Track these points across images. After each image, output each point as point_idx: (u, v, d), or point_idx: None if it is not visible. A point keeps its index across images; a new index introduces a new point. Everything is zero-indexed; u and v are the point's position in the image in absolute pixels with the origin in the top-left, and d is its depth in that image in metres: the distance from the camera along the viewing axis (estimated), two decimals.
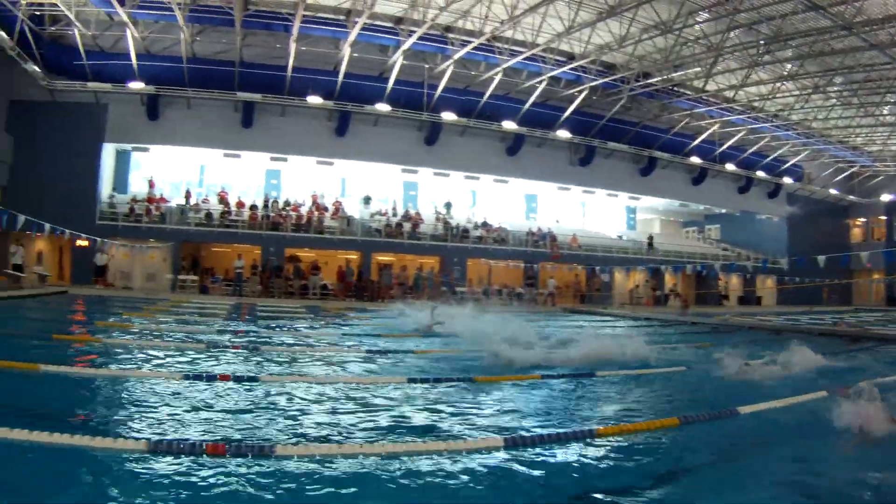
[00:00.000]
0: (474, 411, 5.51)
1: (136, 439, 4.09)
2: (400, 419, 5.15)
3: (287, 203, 26.48)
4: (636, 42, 25.13)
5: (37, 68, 24.58)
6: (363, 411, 5.37)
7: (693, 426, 5.06)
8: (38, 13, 24.02)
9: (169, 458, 3.77)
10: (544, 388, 6.95)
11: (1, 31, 21.98)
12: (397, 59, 25.32)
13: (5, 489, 3.23)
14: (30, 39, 24.18)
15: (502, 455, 4.11)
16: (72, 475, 3.49)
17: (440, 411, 5.44)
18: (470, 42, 24.44)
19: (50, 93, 25.83)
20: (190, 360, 8.00)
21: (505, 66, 25.70)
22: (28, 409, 4.95)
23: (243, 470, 3.60)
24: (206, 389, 5.87)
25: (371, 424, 4.93)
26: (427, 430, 4.84)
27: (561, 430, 4.84)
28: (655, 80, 27.38)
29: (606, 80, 27.22)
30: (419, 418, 5.21)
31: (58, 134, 25.52)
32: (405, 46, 24.63)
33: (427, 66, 26.80)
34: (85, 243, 24.20)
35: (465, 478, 3.66)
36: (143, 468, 3.59)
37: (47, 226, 20.59)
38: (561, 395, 6.64)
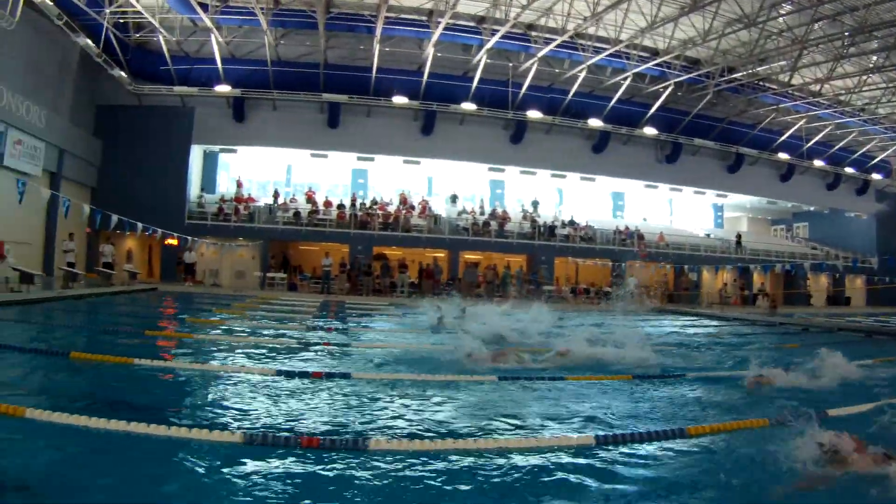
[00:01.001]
0: (560, 409, 5.41)
1: (232, 431, 4.16)
2: (492, 415, 5.04)
3: (374, 202, 26.38)
4: (720, 36, 24.73)
5: (123, 74, 25.13)
6: (452, 408, 5.33)
7: None
8: (122, 21, 24.64)
9: (264, 451, 3.81)
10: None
11: (87, 39, 22.60)
12: (481, 58, 25.28)
13: (105, 478, 3.28)
14: (115, 46, 24.79)
15: (595, 453, 4.02)
16: (169, 466, 3.52)
17: (527, 407, 5.39)
18: (553, 40, 24.28)
19: (137, 97, 26.35)
20: (281, 355, 7.97)
21: (589, 62, 25.48)
22: (124, 401, 5.10)
23: (337, 463, 3.63)
24: (298, 385, 5.86)
25: (461, 421, 4.87)
26: (517, 427, 4.73)
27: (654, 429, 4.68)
28: (740, 74, 26.91)
29: (691, 75, 26.80)
30: (508, 415, 5.08)
31: (145, 137, 25.95)
32: (488, 45, 24.61)
33: (511, 64, 26.75)
34: (174, 242, 24.32)
35: (559, 475, 3.60)
36: (238, 460, 3.59)
37: (140, 225, 20.71)
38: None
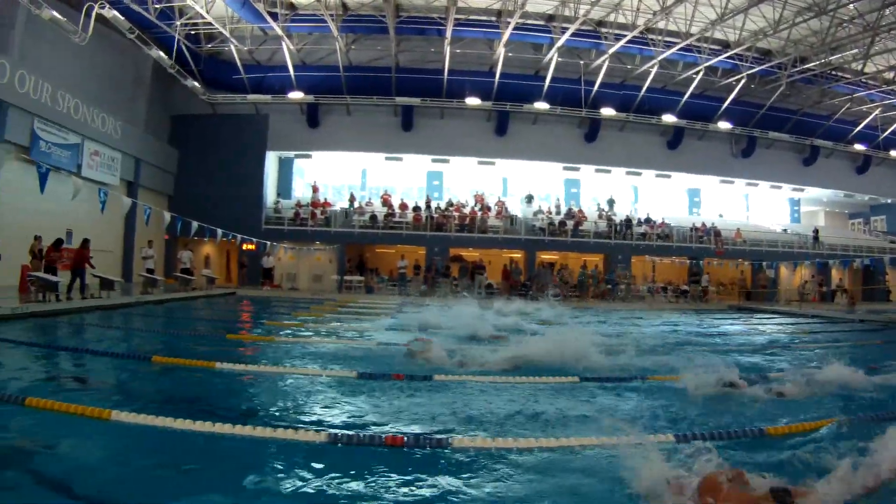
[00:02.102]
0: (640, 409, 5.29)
1: (317, 431, 4.24)
2: (573, 414, 5.00)
3: (450, 203, 26.39)
4: (790, 26, 24.37)
5: (196, 84, 25.59)
6: (535, 406, 5.25)
7: None
8: (193, 32, 25.12)
9: (348, 450, 3.92)
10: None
11: (160, 52, 23.08)
12: (552, 57, 25.27)
13: (194, 478, 3.37)
14: (187, 57, 25.31)
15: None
16: (255, 466, 3.57)
17: (614, 408, 5.35)
18: (623, 35, 24.18)
19: (211, 106, 26.77)
20: (359, 357, 7.91)
21: (660, 58, 25.30)
22: (210, 403, 5.23)
23: (421, 462, 3.69)
24: (379, 386, 5.90)
25: (542, 419, 4.84)
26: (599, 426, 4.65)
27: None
28: (813, 64, 26.48)
29: (763, 67, 26.45)
30: (592, 414, 5.05)
31: (221, 145, 26.33)
32: (559, 43, 24.57)
33: (582, 61, 26.70)
34: (252, 247, 24.54)
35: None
36: (323, 459, 3.66)
37: (220, 231, 20.94)
38: None
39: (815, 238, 29.67)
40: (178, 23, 23.33)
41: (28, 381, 5.77)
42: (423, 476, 3.45)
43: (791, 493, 2.87)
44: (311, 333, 10.63)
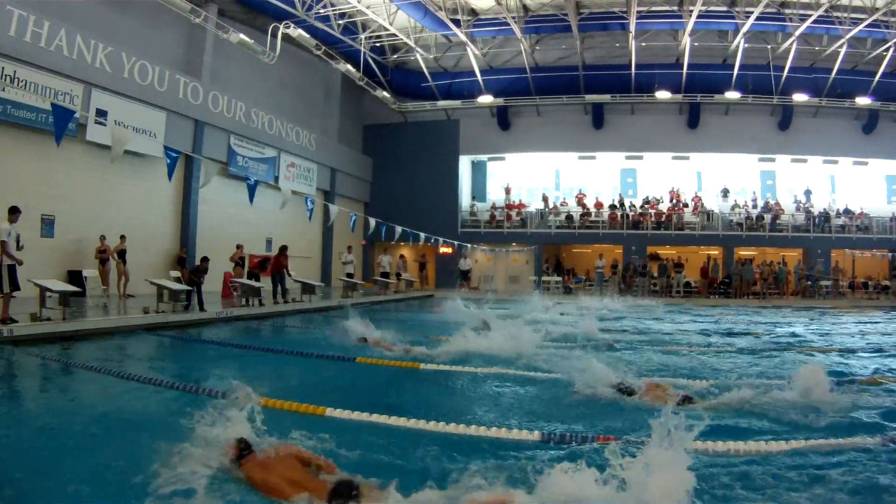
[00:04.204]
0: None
1: (531, 430, 4.36)
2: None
3: (646, 201, 26.65)
4: None
5: (386, 94, 26.54)
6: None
7: None
8: (378, 45, 26.02)
9: (560, 448, 3.99)
10: None
11: (347, 65, 24.05)
12: (738, 43, 24.90)
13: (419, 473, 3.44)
14: (374, 69, 26.33)
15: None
16: (472, 463, 3.60)
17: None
18: (808, 15, 23.60)
19: (401, 115, 27.75)
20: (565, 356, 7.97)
21: (848, 36, 24.38)
22: (415, 402, 5.43)
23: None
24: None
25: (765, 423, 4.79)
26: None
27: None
28: None
29: None
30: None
31: (413, 151, 27.30)
32: (744, 29, 24.02)
33: (769, 46, 26.10)
34: (448, 250, 25.49)
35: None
36: (537, 457, 3.76)
37: (423, 235, 21.84)
38: None
39: None
40: (363, 36, 24.29)
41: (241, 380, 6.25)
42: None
43: (356, 488, 3.01)
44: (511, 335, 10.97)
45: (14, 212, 9.03)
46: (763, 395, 5.36)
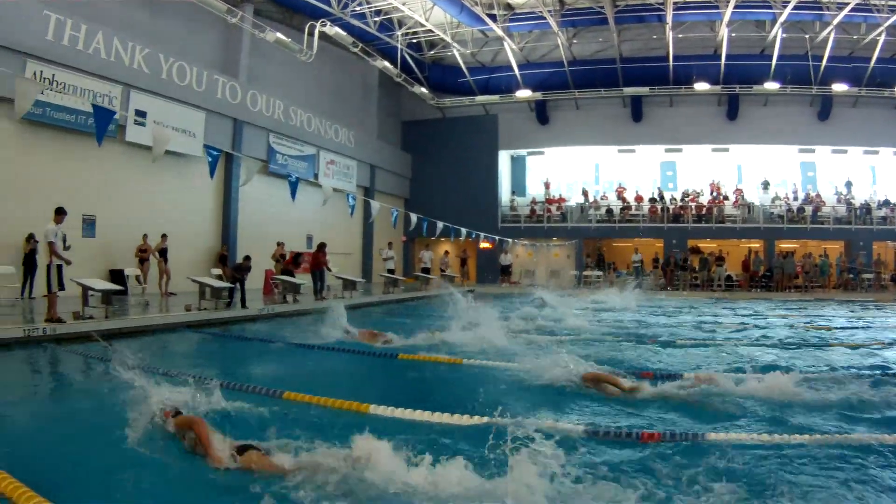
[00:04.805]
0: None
1: (575, 424, 4.45)
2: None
3: (686, 194, 26.72)
4: None
5: (424, 90, 26.76)
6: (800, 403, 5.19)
7: None
8: (414, 41, 26.16)
9: (605, 443, 4.08)
10: None
11: (385, 62, 24.20)
12: (776, 33, 24.84)
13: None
14: (412, 65, 26.49)
15: None
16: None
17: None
18: (846, 4, 23.56)
19: (440, 110, 27.92)
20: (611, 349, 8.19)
21: (886, 24, 24.31)
22: (455, 396, 5.42)
23: (675, 456, 3.77)
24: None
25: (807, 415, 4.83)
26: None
27: None
28: None
29: None
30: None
31: (452, 146, 27.48)
32: (782, 18, 23.96)
33: (807, 35, 26.01)
34: (488, 245, 25.71)
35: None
36: (579, 451, 3.77)
37: (464, 230, 22.07)
38: None
39: None
40: (399, 33, 24.45)
41: (280, 377, 6.34)
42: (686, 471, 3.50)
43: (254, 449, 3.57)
44: (555, 331, 11.10)
45: (60, 213, 9.20)
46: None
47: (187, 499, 3.36)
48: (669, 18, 23.60)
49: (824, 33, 25.07)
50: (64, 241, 9.29)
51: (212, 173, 12.09)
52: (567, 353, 6.34)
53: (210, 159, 11.23)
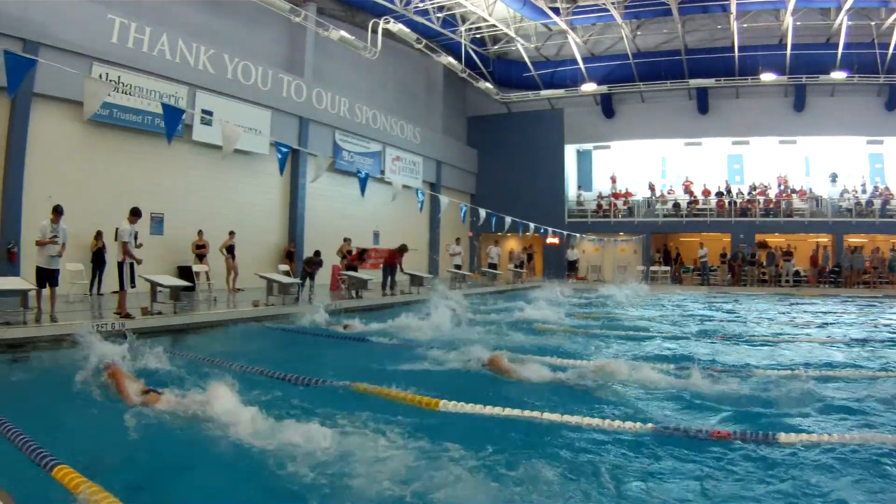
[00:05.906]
0: None
1: (644, 423, 4.50)
2: None
3: (753, 187, 26.81)
4: None
5: (489, 85, 26.76)
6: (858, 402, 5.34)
7: None
8: (478, 36, 26.11)
9: (674, 442, 4.12)
10: None
11: (449, 58, 24.23)
12: (842, 21, 24.67)
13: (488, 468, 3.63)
14: (476, 61, 26.53)
15: None
16: (584, 453, 3.94)
17: None
18: None
19: (505, 105, 27.97)
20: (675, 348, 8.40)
21: None
22: (521, 393, 5.64)
23: (747, 456, 3.86)
24: (694, 382, 6.04)
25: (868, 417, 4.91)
26: None
27: None
28: None
29: None
30: None
31: (518, 141, 27.57)
32: (847, 5, 23.85)
33: (873, 23, 25.74)
34: (555, 240, 25.96)
35: None
36: (650, 450, 3.96)
37: (532, 225, 22.34)
38: None
39: None
40: (462, 28, 24.44)
41: (351, 371, 6.54)
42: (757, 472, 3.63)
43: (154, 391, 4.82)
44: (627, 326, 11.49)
45: (135, 213, 9.54)
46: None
47: (107, 426, 4.39)
48: (734, 7, 23.43)
49: (890, 20, 24.81)
50: (136, 239, 9.60)
51: (281, 170, 12.28)
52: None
53: (280, 156, 11.44)
